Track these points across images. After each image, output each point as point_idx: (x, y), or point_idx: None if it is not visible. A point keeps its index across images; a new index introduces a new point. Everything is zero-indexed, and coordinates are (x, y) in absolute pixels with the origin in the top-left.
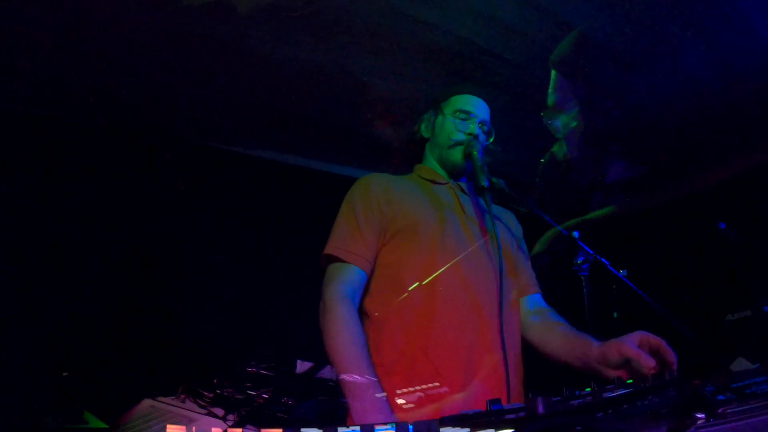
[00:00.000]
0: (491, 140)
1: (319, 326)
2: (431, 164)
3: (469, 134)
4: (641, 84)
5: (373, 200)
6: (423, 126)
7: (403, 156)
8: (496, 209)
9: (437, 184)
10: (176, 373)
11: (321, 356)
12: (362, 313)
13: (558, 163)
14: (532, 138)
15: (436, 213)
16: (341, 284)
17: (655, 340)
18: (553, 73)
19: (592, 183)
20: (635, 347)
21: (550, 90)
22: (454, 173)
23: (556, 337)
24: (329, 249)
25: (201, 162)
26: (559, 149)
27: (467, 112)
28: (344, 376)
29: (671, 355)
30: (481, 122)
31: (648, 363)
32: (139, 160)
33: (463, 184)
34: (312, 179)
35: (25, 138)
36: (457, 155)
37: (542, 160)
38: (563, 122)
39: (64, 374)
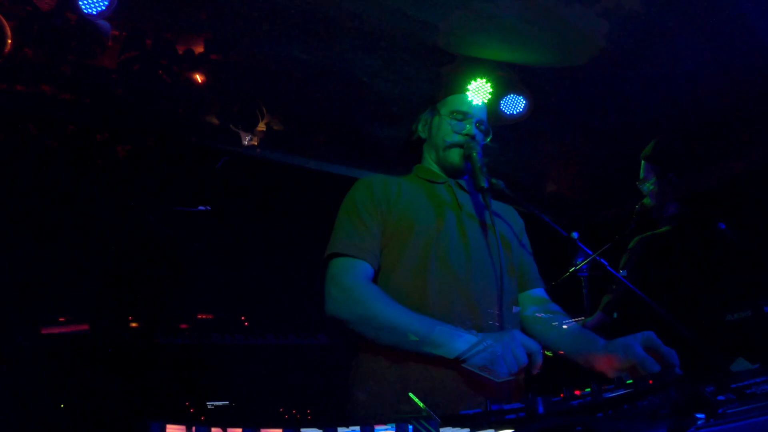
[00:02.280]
0: (489, 139)
1: (343, 317)
2: (429, 164)
3: (466, 135)
4: (641, 84)
5: (375, 201)
6: (420, 126)
7: (402, 157)
8: (497, 205)
9: (435, 184)
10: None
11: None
12: None
13: (647, 210)
14: (532, 138)
15: (433, 214)
16: (353, 275)
17: (656, 344)
18: (642, 162)
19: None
20: (642, 352)
21: (641, 169)
22: (453, 173)
23: (560, 332)
24: (336, 248)
25: (200, 161)
26: (647, 201)
27: (463, 113)
28: (421, 331)
29: (671, 360)
30: (478, 122)
31: (653, 370)
32: (137, 160)
33: (462, 182)
34: (312, 179)
35: (27, 137)
36: (455, 157)
37: (636, 207)
38: (648, 187)
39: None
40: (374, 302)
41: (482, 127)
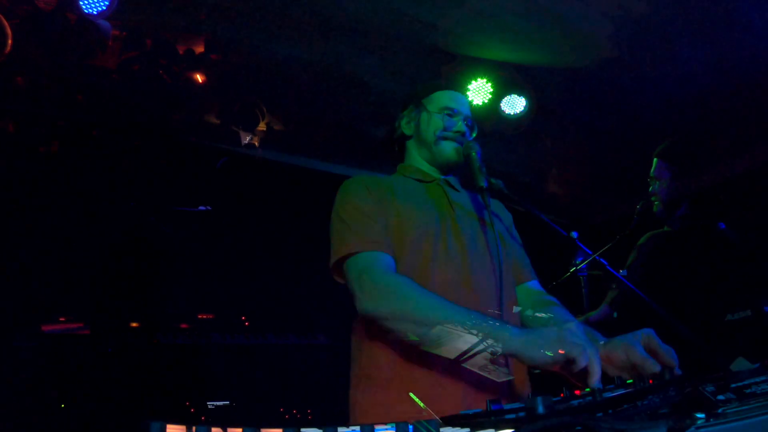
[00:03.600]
0: (474, 134)
1: (380, 314)
2: (417, 162)
3: (457, 132)
4: (641, 84)
5: (373, 198)
6: (404, 123)
7: (384, 155)
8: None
9: (425, 183)
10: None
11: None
12: (356, 322)
13: (649, 209)
14: (532, 138)
15: (431, 213)
16: (382, 268)
17: (655, 342)
18: (655, 160)
19: (670, 214)
20: (643, 352)
21: (653, 167)
22: (446, 169)
23: None
24: (352, 247)
25: (200, 161)
26: (654, 200)
27: (452, 110)
28: (469, 325)
29: (670, 359)
30: (465, 118)
31: (653, 369)
32: (137, 160)
33: (451, 180)
34: (312, 179)
35: (27, 137)
36: (450, 151)
37: (638, 206)
38: (659, 186)
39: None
40: (413, 295)
41: (469, 123)
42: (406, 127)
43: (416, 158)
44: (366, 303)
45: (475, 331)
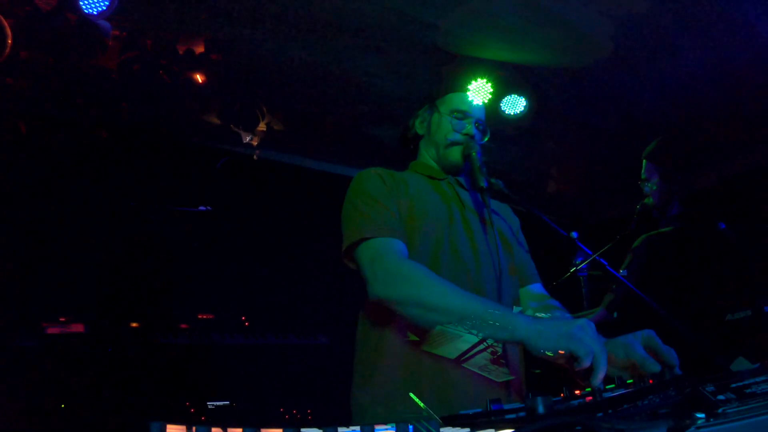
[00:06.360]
0: (486, 138)
1: (392, 298)
2: (427, 161)
3: (466, 134)
4: (641, 84)
5: (388, 187)
6: (417, 122)
7: (397, 152)
8: (493, 203)
9: (436, 180)
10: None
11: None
12: (365, 312)
13: (648, 210)
14: (532, 138)
15: (442, 207)
16: (395, 254)
17: (655, 342)
18: (644, 162)
19: (663, 214)
20: (642, 351)
21: (643, 169)
22: (453, 171)
23: None
24: (365, 232)
25: (200, 161)
26: (649, 201)
27: (463, 112)
28: (478, 311)
29: (671, 359)
30: (477, 121)
31: (653, 369)
32: (137, 160)
33: (460, 179)
34: (312, 179)
35: (27, 137)
36: (456, 155)
37: (637, 207)
38: (650, 187)
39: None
40: (425, 281)
41: (480, 127)
42: (419, 126)
43: (426, 157)
44: (378, 288)
45: (485, 317)
